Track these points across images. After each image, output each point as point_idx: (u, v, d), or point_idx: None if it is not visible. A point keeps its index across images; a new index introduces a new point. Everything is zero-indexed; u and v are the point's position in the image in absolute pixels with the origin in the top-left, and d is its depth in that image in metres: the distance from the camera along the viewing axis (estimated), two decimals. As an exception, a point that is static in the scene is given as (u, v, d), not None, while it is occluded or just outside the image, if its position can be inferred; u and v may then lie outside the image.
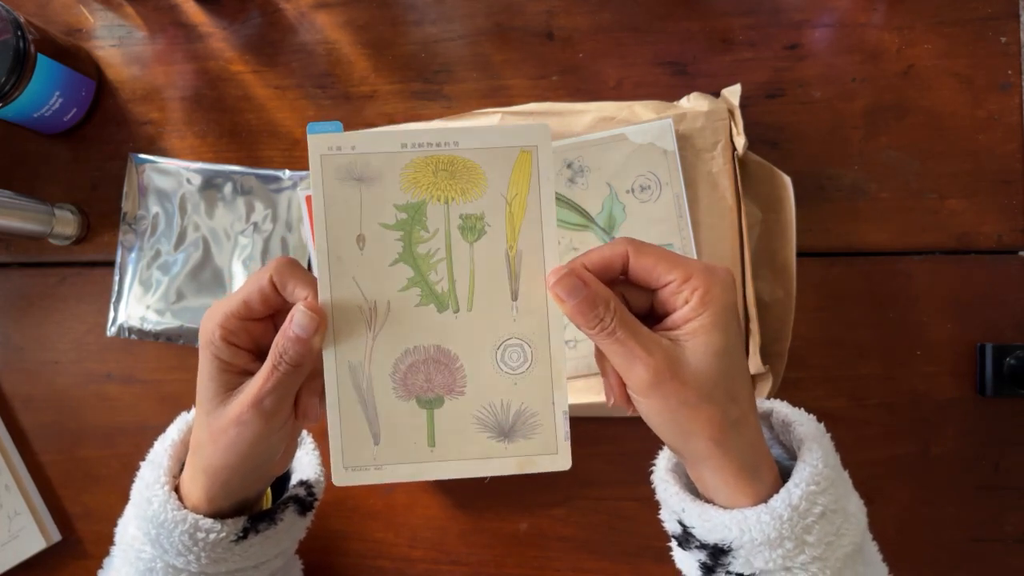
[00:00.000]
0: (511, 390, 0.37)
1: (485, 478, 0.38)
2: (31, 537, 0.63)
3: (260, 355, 0.38)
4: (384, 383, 0.37)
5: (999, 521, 0.59)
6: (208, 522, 0.40)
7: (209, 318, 0.37)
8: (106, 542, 0.46)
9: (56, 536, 0.65)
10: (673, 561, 0.44)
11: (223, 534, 0.40)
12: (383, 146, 0.36)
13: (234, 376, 0.38)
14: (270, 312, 0.38)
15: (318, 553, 0.62)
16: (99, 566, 0.48)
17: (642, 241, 0.38)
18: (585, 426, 0.60)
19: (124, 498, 0.45)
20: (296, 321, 0.35)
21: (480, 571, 0.62)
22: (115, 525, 0.46)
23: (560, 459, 0.38)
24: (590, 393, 0.55)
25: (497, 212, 0.37)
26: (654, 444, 0.45)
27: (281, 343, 0.36)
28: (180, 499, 0.41)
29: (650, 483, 0.45)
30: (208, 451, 0.38)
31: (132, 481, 0.45)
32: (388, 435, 0.37)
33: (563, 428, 0.38)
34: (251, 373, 0.37)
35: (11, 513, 0.63)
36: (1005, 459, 0.60)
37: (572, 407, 0.54)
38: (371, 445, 0.37)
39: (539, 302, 0.37)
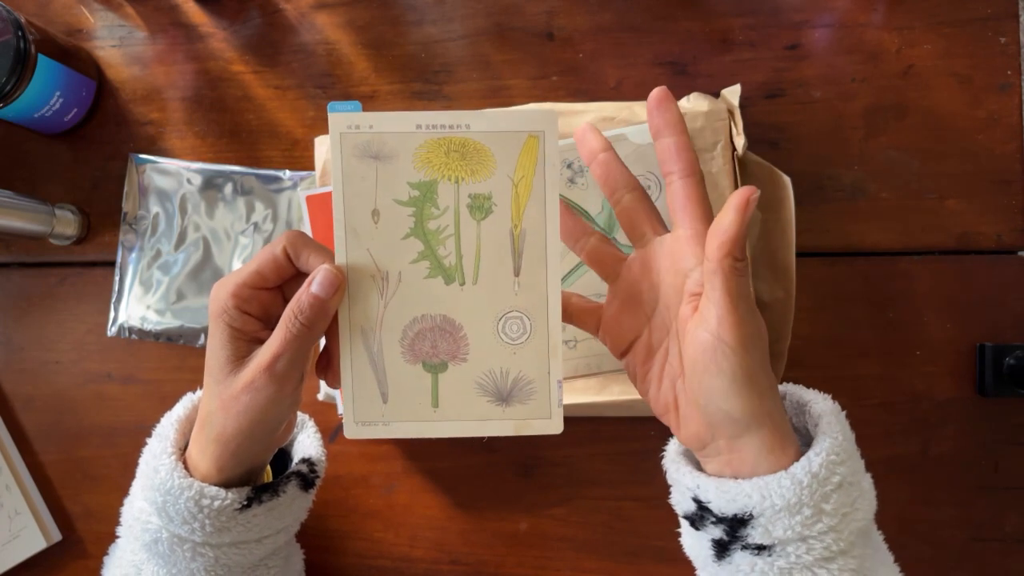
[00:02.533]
0: (510, 359, 0.40)
1: (483, 439, 0.40)
2: (31, 537, 0.63)
3: (269, 324, 0.39)
4: (393, 347, 0.40)
5: (999, 521, 0.59)
6: (213, 489, 0.40)
7: (220, 288, 0.39)
8: (106, 542, 0.46)
9: (56, 536, 0.65)
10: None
11: (227, 501, 0.41)
12: (399, 126, 0.38)
13: (245, 344, 0.39)
14: (280, 282, 0.39)
15: (318, 553, 0.62)
16: (100, 565, 0.48)
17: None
18: (585, 426, 0.60)
19: (125, 497, 0.45)
20: (317, 280, 0.37)
21: (480, 571, 0.62)
22: (116, 525, 0.46)
23: (553, 424, 0.40)
24: (590, 393, 0.55)
25: (504, 193, 0.39)
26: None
27: (296, 305, 0.37)
28: (187, 470, 0.42)
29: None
30: (219, 419, 0.39)
31: (132, 480, 0.45)
32: (396, 395, 0.40)
33: (556, 396, 0.40)
34: (261, 341, 0.39)
35: (11, 513, 0.63)
36: (1005, 459, 0.60)
37: (572, 407, 0.55)
38: (380, 403, 0.40)
39: (539, 278, 0.39)
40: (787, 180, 0.55)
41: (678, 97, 0.58)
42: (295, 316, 0.37)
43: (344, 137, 0.38)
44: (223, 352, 0.38)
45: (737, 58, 0.62)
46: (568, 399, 0.54)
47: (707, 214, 0.41)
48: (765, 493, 0.38)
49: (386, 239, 0.39)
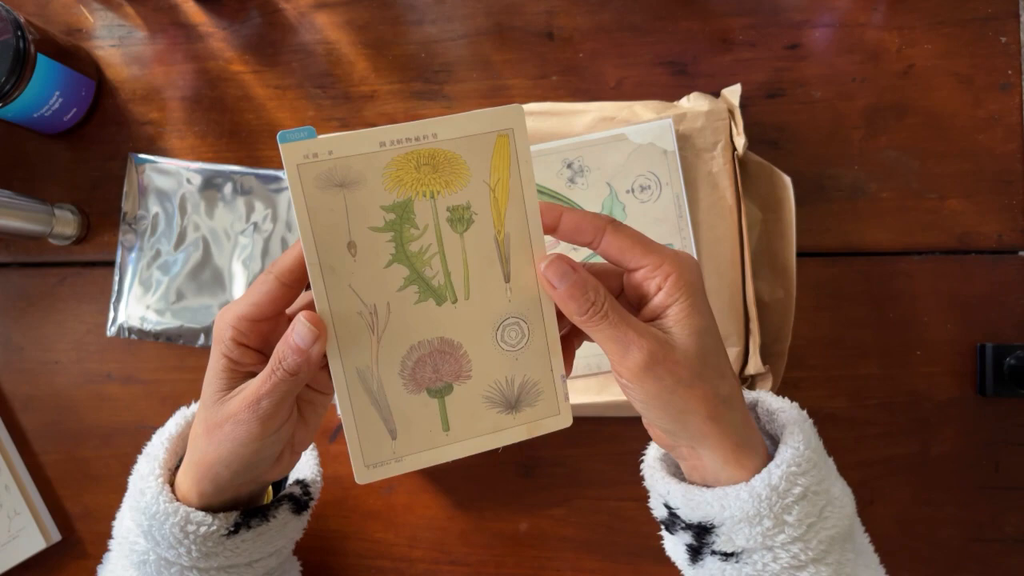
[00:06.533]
0: (513, 365, 0.39)
1: (498, 450, 0.39)
2: (31, 537, 0.63)
3: (268, 356, 0.38)
4: (394, 381, 0.38)
5: (999, 521, 0.59)
6: (199, 515, 0.40)
7: (220, 318, 0.38)
8: (106, 542, 0.46)
9: (56, 536, 0.65)
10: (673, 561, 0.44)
11: (214, 527, 0.40)
12: (361, 147, 0.36)
13: (240, 376, 0.38)
14: (277, 312, 0.38)
15: (318, 553, 0.62)
16: (98, 566, 0.48)
17: (619, 221, 0.38)
18: (585, 426, 0.60)
19: (122, 500, 0.45)
20: (296, 332, 0.36)
21: (480, 571, 0.62)
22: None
23: (562, 419, 0.40)
24: (590, 393, 0.55)
25: (482, 199, 0.37)
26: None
27: (281, 350, 0.36)
28: (174, 492, 0.41)
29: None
30: (202, 444, 0.38)
31: (127, 489, 0.45)
32: (404, 428, 0.38)
33: (562, 391, 0.39)
34: (255, 374, 0.38)
35: (11, 513, 0.63)
36: (1005, 459, 0.60)
37: (573, 407, 0.54)
38: (389, 441, 0.38)
39: (529, 279, 0.38)
40: (787, 180, 0.55)
41: (678, 97, 0.58)
42: (279, 362, 0.36)
43: (302, 168, 0.35)
44: (217, 380, 0.38)
45: (737, 58, 0.62)
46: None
47: (644, 250, 0.38)
48: (724, 504, 0.38)
49: (368, 271, 0.36)
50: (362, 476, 0.38)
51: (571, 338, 0.41)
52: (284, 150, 0.35)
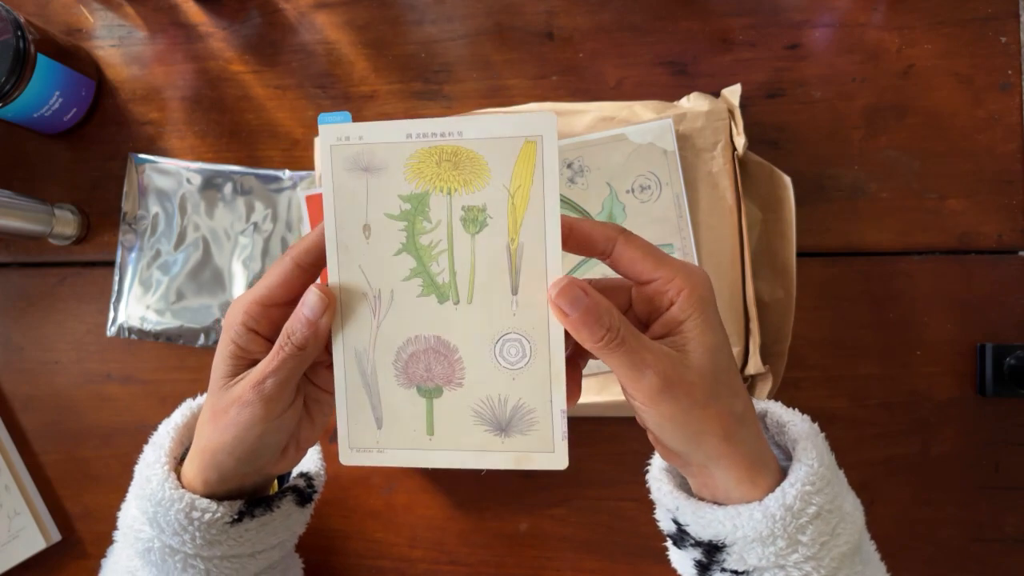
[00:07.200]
0: (509, 385, 0.37)
1: (481, 470, 0.38)
2: (31, 537, 0.63)
3: None
4: (387, 370, 0.38)
5: (999, 521, 0.59)
6: (204, 502, 0.40)
7: (235, 305, 0.38)
8: (106, 542, 0.46)
9: (56, 536, 0.65)
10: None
11: (218, 515, 0.40)
12: (389, 136, 0.36)
13: (246, 363, 0.38)
14: (290, 298, 0.38)
15: (318, 553, 0.62)
16: (99, 566, 0.48)
17: (631, 231, 0.37)
18: (585, 426, 0.60)
19: (124, 497, 0.45)
20: (306, 302, 0.36)
21: (480, 571, 0.62)
22: (115, 525, 0.46)
23: (556, 458, 0.37)
24: (590, 393, 0.55)
25: (499, 204, 0.36)
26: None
27: (290, 325, 0.37)
28: (180, 481, 0.41)
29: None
30: (207, 430, 0.39)
31: (131, 482, 0.45)
32: (390, 421, 0.38)
33: (560, 427, 0.37)
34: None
35: (11, 513, 0.63)
36: (1005, 459, 0.60)
37: (573, 407, 0.54)
38: (375, 429, 0.38)
39: (540, 297, 0.36)
40: (787, 180, 0.55)
41: (678, 97, 0.58)
42: (288, 337, 0.37)
43: (334, 150, 0.37)
44: (223, 366, 0.38)
45: (737, 58, 0.62)
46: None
47: (656, 263, 0.37)
48: (737, 523, 0.37)
49: (378, 255, 0.37)
50: (346, 457, 0.39)
51: (576, 358, 0.39)
52: (322, 131, 0.37)
